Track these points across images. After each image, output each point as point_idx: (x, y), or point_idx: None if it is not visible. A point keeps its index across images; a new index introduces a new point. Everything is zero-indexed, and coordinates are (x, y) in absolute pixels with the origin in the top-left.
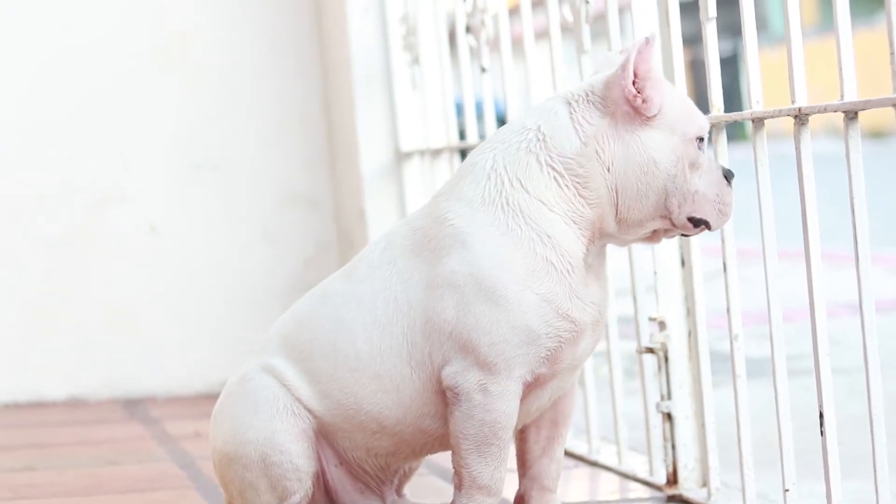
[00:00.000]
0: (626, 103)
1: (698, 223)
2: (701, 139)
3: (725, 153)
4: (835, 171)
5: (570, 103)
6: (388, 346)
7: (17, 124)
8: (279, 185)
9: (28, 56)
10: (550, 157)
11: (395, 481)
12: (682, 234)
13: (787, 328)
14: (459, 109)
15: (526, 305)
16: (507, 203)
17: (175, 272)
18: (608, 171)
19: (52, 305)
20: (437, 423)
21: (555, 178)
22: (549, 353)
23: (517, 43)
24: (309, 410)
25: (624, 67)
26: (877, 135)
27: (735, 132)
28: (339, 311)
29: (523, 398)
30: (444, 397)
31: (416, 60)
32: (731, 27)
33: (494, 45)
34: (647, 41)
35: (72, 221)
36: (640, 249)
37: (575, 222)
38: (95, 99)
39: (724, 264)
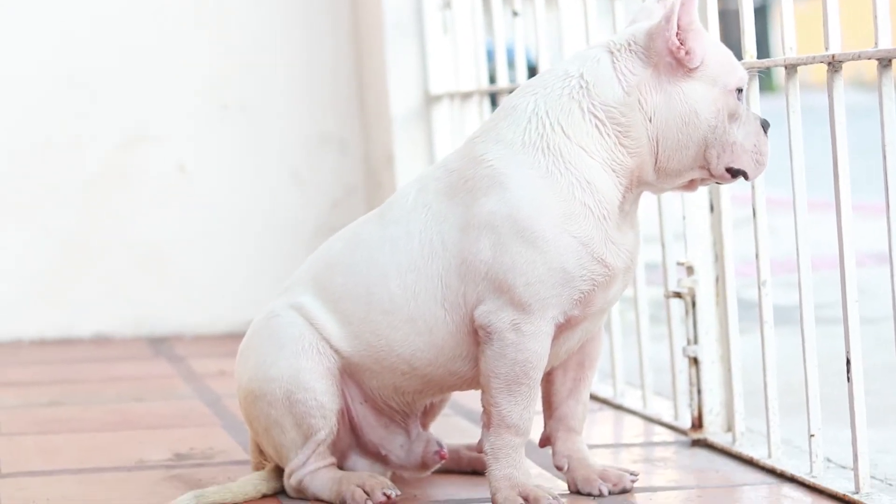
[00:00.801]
0: (669, 55)
1: (736, 173)
2: (740, 90)
3: (757, 101)
4: (861, 122)
5: (612, 52)
6: (422, 288)
7: (50, 68)
8: (308, 126)
9: (62, 1)
10: (593, 104)
11: (420, 416)
12: (717, 183)
13: (814, 277)
14: (490, 56)
15: (563, 247)
16: (548, 147)
17: (203, 212)
18: (650, 121)
19: (80, 244)
20: (468, 365)
21: (596, 125)
22: (582, 295)
23: None
24: (336, 350)
25: (668, 19)
26: None
27: (763, 83)
28: (373, 254)
29: (554, 339)
30: (476, 338)
31: (447, 4)
32: None
33: None
34: None
35: (102, 162)
36: (670, 195)
37: (613, 170)
38: (126, 41)
39: (754, 210)
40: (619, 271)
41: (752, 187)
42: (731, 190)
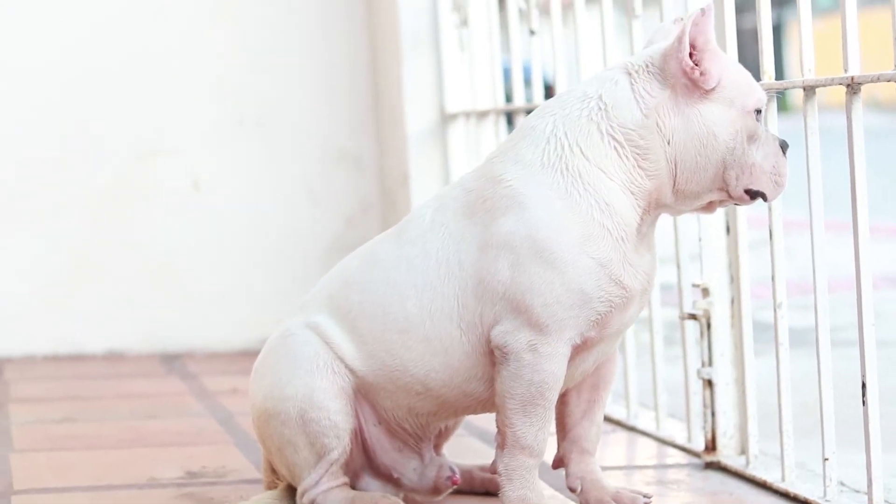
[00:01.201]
0: (684, 76)
1: (755, 195)
2: (759, 111)
3: (775, 122)
4: (875, 144)
5: (630, 74)
6: (438, 307)
7: (64, 76)
8: (324, 143)
9: (77, 8)
10: (612, 126)
11: (433, 439)
12: (736, 204)
13: (830, 299)
14: (506, 75)
15: (581, 269)
16: (567, 168)
17: (217, 228)
18: (668, 143)
19: (94, 258)
20: (483, 386)
21: (615, 147)
22: (599, 316)
23: (567, 6)
24: (350, 370)
25: (680, 40)
26: None
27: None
28: (390, 273)
29: (570, 361)
30: (492, 359)
31: (464, 22)
32: None
33: (544, 7)
34: (704, 12)
35: (116, 174)
36: (686, 216)
37: (632, 192)
38: (143, 52)
39: (770, 232)
40: (637, 293)
41: (769, 209)
42: (748, 211)
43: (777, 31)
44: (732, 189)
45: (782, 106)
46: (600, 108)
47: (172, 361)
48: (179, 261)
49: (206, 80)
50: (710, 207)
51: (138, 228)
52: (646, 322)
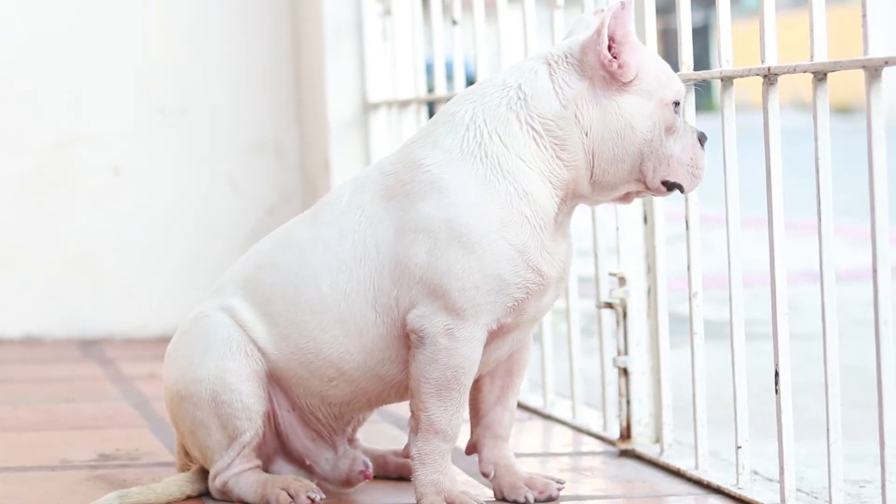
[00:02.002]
0: (602, 68)
1: (672, 186)
2: (677, 103)
3: (693, 115)
4: (799, 144)
5: (550, 65)
6: (353, 289)
7: None
8: (245, 131)
9: None
10: (531, 116)
11: (349, 430)
12: (653, 195)
13: (745, 293)
14: (429, 67)
15: (499, 254)
16: (486, 155)
17: (137, 216)
18: (586, 135)
19: (12, 244)
20: (397, 369)
21: (534, 137)
22: (515, 303)
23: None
24: (263, 353)
25: (599, 32)
26: (843, 110)
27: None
28: (304, 254)
29: (485, 347)
30: (407, 342)
31: (387, 12)
32: None
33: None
34: (623, 5)
35: (35, 162)
36: (604, 207)
37: (550, 182)
38: (60, 38)
39: (687, 222)
40: (553, 280)
41: (686, 199)
42: (665, 203)
43: (704, 31)
44: (649, 180)
45: (706, 105)
46: (519, 98)
47: (90, 347)
48: (99, 248)
49: (128, 67)
50: (626, 198)
51: (58, 215)
52: (563, 313)
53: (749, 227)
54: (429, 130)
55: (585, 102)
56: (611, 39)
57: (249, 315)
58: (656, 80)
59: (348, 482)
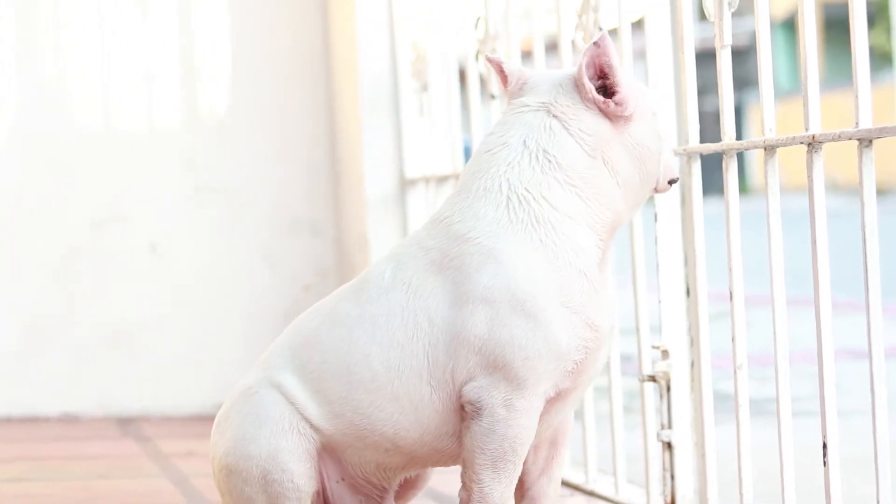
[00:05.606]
0: (602, 112)
1: (672, 182)
2: None
3: (735, 185)
4: (836, 226)
5: (557, 116)
6: (407, 365)
7: (17, 141)
8: (281, 209)
9: (33, 73)
10: (568, 176)
11: (396, 488)
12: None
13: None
14: (467, 149)
15: (561, 319)
16: (538, 221)
17: (173, 293)
18: (617, 174)
19: (49, 322)
20: (454, 442)
21: (577, 194)
22: (575, 365)
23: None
24: (316, 429)
25: (580, 84)
26: (880, 192)
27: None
28: (353, 332)
29: (544, 413)
30: (462, 415)
31: (424, 88)
32: (737, 80)
33: None
34: (597, 44)
35: (72, 240)
36: (647, 286)
37: (594, 229)
38: (99, 118)
39: (731, 293)
40: (606, 333)
41: (729, 269)
42: (709, 285)
43: (738, 112)
44: (660, 185)
45: (743, 188)
46: (549, 161)
47: (127, 424)
48: (135, 325)
49: (162, 145)
50: None
51: (94, 293)
52: (604, 390)
53: (791, 306)
54: (462, 207)
55: (607, 144)
56: (605, 76)
57: (300, 392)
58: (645, 97)
59: None
